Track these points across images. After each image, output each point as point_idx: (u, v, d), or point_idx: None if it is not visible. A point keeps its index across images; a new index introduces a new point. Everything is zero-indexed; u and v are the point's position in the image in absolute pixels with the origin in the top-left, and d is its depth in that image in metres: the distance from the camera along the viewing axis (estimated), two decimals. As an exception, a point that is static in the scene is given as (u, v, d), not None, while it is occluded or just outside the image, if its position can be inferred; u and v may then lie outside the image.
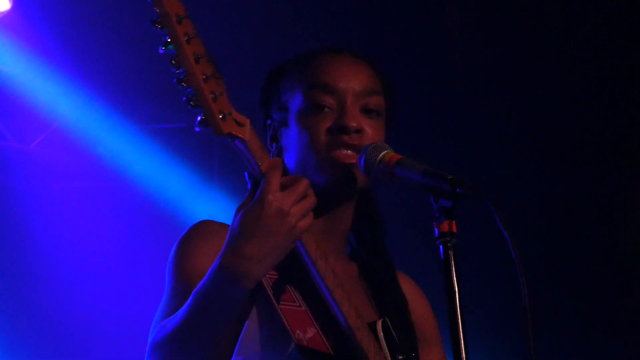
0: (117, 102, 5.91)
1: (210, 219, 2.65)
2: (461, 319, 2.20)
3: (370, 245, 2.79)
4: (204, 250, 2.48)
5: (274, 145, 2.72)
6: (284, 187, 2.29)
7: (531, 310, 2.20)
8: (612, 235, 6.04)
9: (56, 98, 5.86)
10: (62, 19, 5.48)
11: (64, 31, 5.53)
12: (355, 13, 5.62)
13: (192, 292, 2.32)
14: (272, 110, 2.73)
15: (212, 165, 6.13)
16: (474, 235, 4.64)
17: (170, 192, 6.19)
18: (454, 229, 2.25)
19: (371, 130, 2.61)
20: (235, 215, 2.30)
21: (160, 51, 2.21)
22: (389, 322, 2.63)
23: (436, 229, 2.26)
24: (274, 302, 2.47)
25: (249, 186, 2.35)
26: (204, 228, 2.58)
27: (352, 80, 2.66)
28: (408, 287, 2.80)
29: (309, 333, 2.46)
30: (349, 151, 2.57)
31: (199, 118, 2.23)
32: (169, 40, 2.19)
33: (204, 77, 2.21)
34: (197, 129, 2.25)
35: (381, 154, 2.47)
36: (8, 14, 5.44)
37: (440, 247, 2.25)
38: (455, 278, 2.22)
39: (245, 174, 2.37)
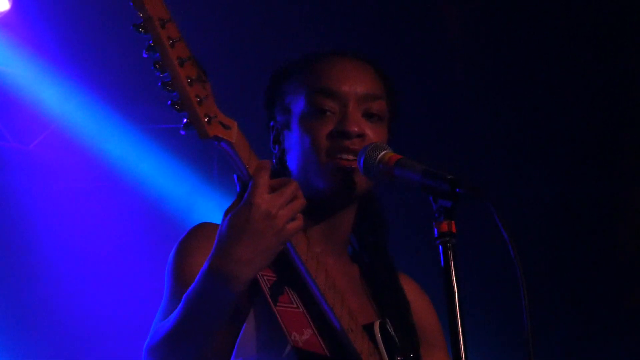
0: (117, 102, 5.90)
1: (209, 219, 2.65)
2: (460, 318, 2.20)
3: (372, 247, 2.79)
4: (202, 253, 2.48)
5: (277, 147, 2.72)
6: (272, 190, 2.29)
7: (530, 311, 2.20)
8: (612, 236, 6.03)
9: (56, 98, 5.85)
10: (61, 19, 5.48)
11: (64, 31, 5.52)
12: (355, 13, 5.61)
13: (184, 295, 2.33)
14: (275, 112, 2.73)
15: (212, 165, 6.13)
16: (474, 236, 4.64)
17: (169, 192, 6.18)
18: (454, 229, 2.25)
19: (373, 135, 2.61)
20: (224, 218, 2.31)
21: (144, 55, 2.21)
22: (388, 323, 2.64)
23: (436, 229, 2.27)
24: (271, 304, 2.47)
25: (238, 188, 2.36)
26: (202, 231, 2.58)
27: (355, 84, 2.66)
28: (411, 289, 2.80)
29: (305, 335, 2.47)
30: (350, 156, 2.58)
31: (184, 121, 2.23)
32: (152, 44, 2.19)
33: (189, 80, 2.21)
34: (182, 132, 2.26)
35: (381, 154, 2.47)
36: (7, 14, 5.44)
37: (440, 247, 2.25)
38: (454, 278, 2.22)
39: (235, 176, 2.38)
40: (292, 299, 2.50)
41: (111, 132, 6.03)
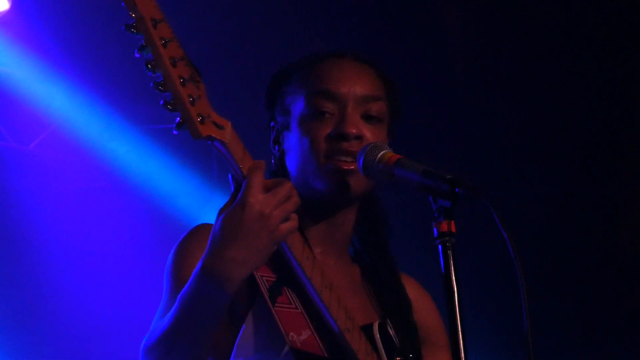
0: (117, 102, 5.90)
1: (209, 219, 2.65)
2: (460, 318, 2.20)
3: (373, 247, 2.79)
4: (201, 254, 2.48)
5: (277, 147, 2.73)
6: (267, 190, 2.29)
7: (530, 310, 2.19)
8: (613, 236, 6.03)
9: (55, 98, 5.85)
10: (61, 19, 5.48)
11: (63, 31, 5.52)
12: (355, 13, 5.61)
13: (178, 296, 2.32)
14: (275, 113, 2.73)
15: (212, 165, 6.13)
16: (474, 236, 4.63)
17: (169, 192, 6.18)
18: (453, 229, 2.25)
19: (372, 136, 2.61)
20: (217, 218, 2.30)
21: (136, 55, 2.21)
22: (389, 323, 2.63)
23: (435, 229, 2.26)
24: (270, 304, 2.47)
25: (232, 188, 2.35)
26: (201, 232, 2.58)
27: (354, 86, 2.66)
28: (413, 289, 2.80)
29: (303, 335, 2.47)
30: (348, 158, 2.58)
31: (177, 120, 2.23)
32: (144, 44, 2.18)
33: (181, 80, 2.21)
34: (174, 131, 2.25)
35: (380, 154, 2.47)
36: (7, 13, 5.44)
37: (439, 247, 2.25)
38: (454, 278, 2.22)
39: (229, 176, 2.37)
40: (291, 300, 2.50)
41: (111, 132, 6.03)
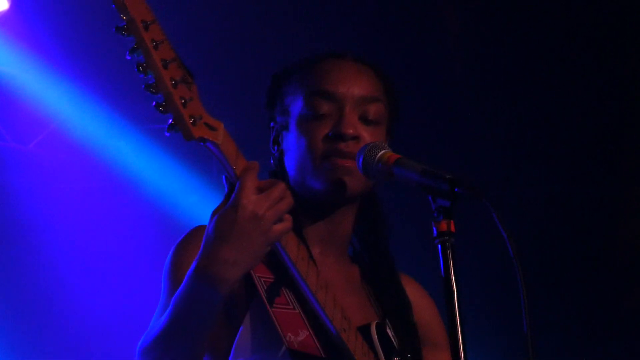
0: (117, 102, 5.90)
1: (209, 220, 2.64)
2: (460, 318, 2.19)
3: (373, 247, 2.79)
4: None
5: (276, 147, 2.72)
6: (260, 191, 2.29)
7: (530, 310, 2.19)
8: (613, 236, 6.03)
9: (55, 98, 5.85)
10: (60, 19, 5.47)
11: (63, 31, 5.52)
12: (355, 13, 5.61)
13: (173, 297, 2.32)
14: (275, 113, 2.73)
15: (212, 165, 6.13)
16: (473, 235, 4.63)
17: (169, 192, 6.18)
18: (453, 229, 2.24)
19: (369, 137, 2.61)
20: (210, 219, 2.30)
21: (127, 57, 2.20)
22: (388, 324, 2.63)
23: (435, 229, 2.26)
24: (267, 305, 2.46)
25: (226, 189, 2.35)
26: (198, 234, 2.57)
27: (352, 87, 2.66)
28: (412, 289, 2.80)
29: (300, 336, 2.46)
30: (345, 159, 2.57)
31: (169, 121, 2.22)
32: (135, 46, 2.18)
33: (173, 82, 2.20)
34: (166, 133, 2.25)
35: (380, 154, 2.47)
36: (6, 13, 5.43)
37: (439, 246, 2.24)
38: (453, 277, 2.22)
39: (223, 177, 2.37)
40: (289, 300, 2.50)
41: (111, 132, 6.03)
